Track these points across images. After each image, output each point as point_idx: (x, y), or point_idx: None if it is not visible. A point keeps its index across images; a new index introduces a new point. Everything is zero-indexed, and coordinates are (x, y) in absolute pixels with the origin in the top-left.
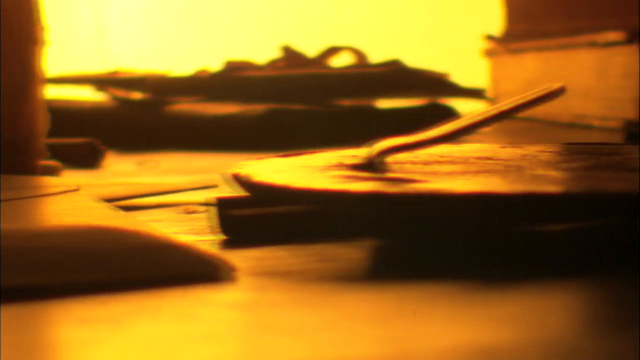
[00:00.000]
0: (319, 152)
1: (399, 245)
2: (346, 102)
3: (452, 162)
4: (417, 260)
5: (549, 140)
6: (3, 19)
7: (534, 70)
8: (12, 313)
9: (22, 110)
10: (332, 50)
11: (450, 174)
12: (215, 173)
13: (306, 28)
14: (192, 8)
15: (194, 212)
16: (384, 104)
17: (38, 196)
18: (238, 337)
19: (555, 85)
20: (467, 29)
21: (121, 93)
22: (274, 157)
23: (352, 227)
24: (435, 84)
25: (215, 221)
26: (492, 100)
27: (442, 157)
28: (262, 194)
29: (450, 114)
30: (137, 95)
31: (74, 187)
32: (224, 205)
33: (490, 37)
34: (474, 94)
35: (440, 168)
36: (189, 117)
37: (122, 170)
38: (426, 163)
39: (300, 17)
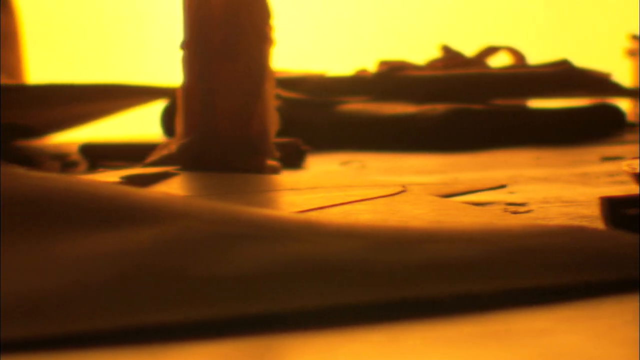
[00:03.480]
0: None
1: None
2: (500, 102)
3: None
4: None
5: None
6: (238, 18)
7: None
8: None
9: (255, 109)
10: (490, 50)
11: None
12: (448, 173)
13: (457, 27)
14: (345, 8)
15: (515, 212)
16: (547, 103)
17: (376, 198)
18: None
19: None
20: (607, 29)
21: (281, 92)
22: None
23: None
24: (599, 84)
25: (604, 221)
26: None
27: None
28: None
29: (619, 116)
30: (298, 95)
31: (402, 188)
32: (614, 205)
33: (635, 37)
34: (636, 94)
35: None
36: (365, 116)
37: (327, 170)
38: None
39: (455, 17)
